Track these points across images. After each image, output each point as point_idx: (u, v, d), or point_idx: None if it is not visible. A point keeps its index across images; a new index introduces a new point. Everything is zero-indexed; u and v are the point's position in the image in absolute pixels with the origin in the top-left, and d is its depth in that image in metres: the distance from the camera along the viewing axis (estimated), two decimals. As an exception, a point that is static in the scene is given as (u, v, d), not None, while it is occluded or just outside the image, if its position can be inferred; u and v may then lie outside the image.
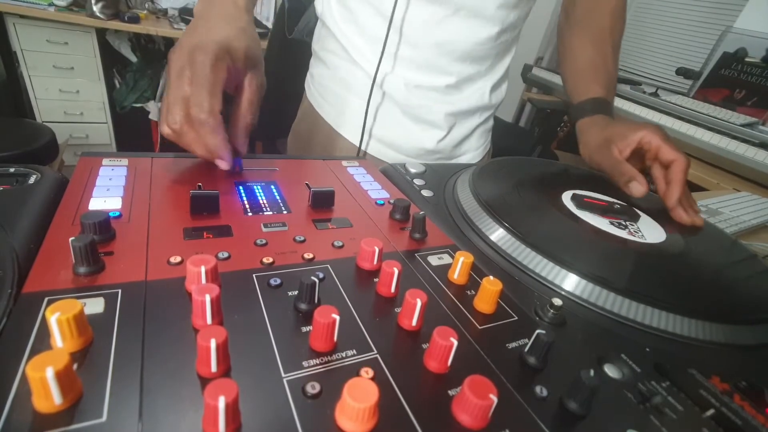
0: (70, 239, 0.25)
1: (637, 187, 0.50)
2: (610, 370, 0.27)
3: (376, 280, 0.29)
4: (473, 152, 0.74)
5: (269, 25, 2.15)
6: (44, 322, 0.20)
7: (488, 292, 0.28)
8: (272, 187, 0.41)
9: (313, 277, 0.25)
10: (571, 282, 0.34)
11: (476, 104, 0.68)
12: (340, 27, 0.64)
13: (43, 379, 0.16)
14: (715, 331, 0.32)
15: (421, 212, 0.36)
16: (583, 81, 0.64)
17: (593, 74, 0.64)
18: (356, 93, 0.66)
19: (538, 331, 0.25)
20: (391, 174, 0.51)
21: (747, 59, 1.45)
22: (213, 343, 0.19)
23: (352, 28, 0.63)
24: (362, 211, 0.40)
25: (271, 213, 0.36)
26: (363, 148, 0.69)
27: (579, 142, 0.61)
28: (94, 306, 0.23)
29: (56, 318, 0.19)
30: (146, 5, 2.20)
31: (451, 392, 0.22)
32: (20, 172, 0.36)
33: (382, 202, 0.42)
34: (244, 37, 0.40)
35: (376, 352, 0.24)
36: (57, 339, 0.19)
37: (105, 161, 0.39)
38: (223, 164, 0.39)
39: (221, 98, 0.37)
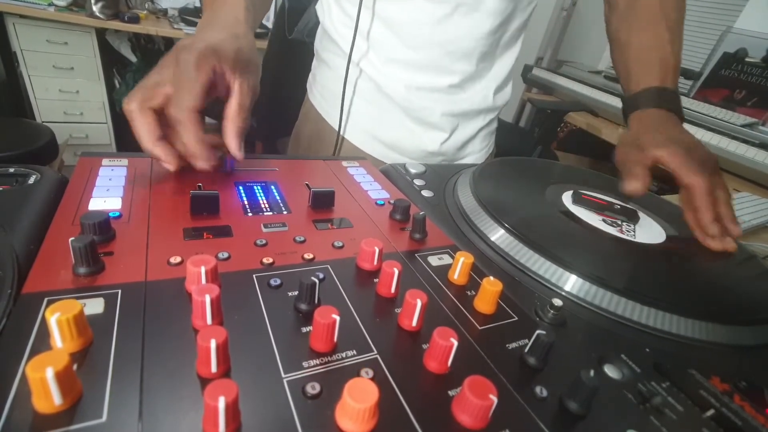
0: (70, 239, 0.25)
1: (630, 184, 0.46)
2: (610, 370, 0.27)
3: (376, 280, 0.29)
4: (476, 154, 0.74)
5: (269, 25, 2.15)
6: (44, 323, 0.20)
7: (488, 293, 0.28)
8: (272, 187, 0.41)
9: (313, 278, 0.25)
10: (571, 282, 0.34)
11: (479, 105, 0.68)
12: (339, 31, 0.65)
13: (43, 380, 0.16)
14: (715, 332, 0.32)
15: (421, 212, 0.36)
16: (634, 72, 0.57)
17: (648, 63, 0.56)
18: (358, 95, 0.66)
19: (538, 331, 0.25)
20: (392, 174, 0.51)
21: (747, 59, 1.45)
22: (213, 344, 0.19)
23: (351, 32, 0.63)
24: (362, 212, 0.40)
25: (271, 213, 0.36)
26: (365, 150, 0.69)
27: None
28: (94, 306, 0.23)
29: (56, 318, 0.19)
30: (146, 5, 2.20)
31: (451, 392, 0.22)
32: (20, 172, 0.36)
33: (382, 202, 0.42)
34: (235, 41, 0.40)
35: (376, 352, 0.24)
36: (57, 339, 0.19)
37: (105, 161, 0.39)
38: (201, 164, 0.37)
39: (202, 98, 0.36)
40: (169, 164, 0.37)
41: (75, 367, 0.19)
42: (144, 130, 0.36)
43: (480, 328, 0.28)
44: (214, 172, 0.40)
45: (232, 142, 0.39)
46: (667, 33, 0.56)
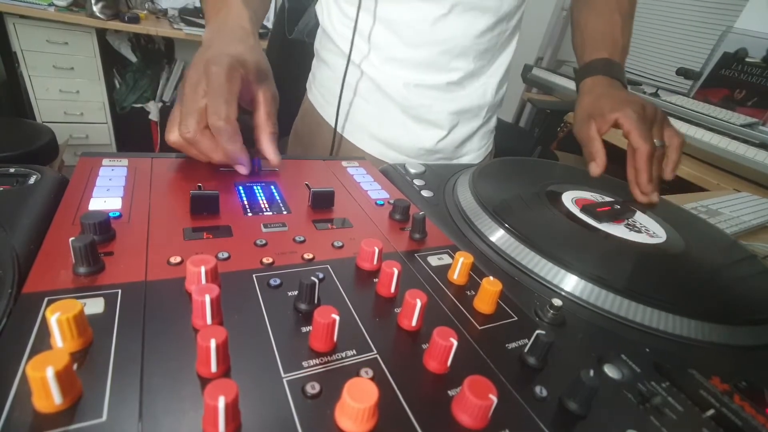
0: (70, 239, 0.25)
1: (593, 168, 0.52)
2: (610, 371, 0.27)
3: (375, 280, 0.29)
4: (475, 153, 0.74)
5: (269, 25, 2.15)
6: (44, 322, 0.20)
7: (488, 293, 0.28)
8: (272, 187, 0.41)
9: (312, 278, 0.25)
10: (570, 282, 0.34)
11: (478, 102, 0.68)
12: (338, 30, 0.65)
13: (44, 379, 0.16)
14: (715, 332, 0.32)
15: (421, 212, 0.36)
16: (588, 48, 0.64)
17: (599, 41, 0.63)
18: (358, 94, 0.66)
19: (537, 331, 0.25)
20: (391, 174, 0.51)
21: (747, 59, 1.45)
22: (213, 343, 0.19)
23: (350, 32, 0.63)
24: (362, 212, 0.40)
25: (271, 213, 0.36)
26: (364, 149, 0.70)
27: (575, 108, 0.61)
28: (94, 306, 0.23)
29: (56, 318, 0.19)
30: (146, 5, 2.20)
31: (451, 392, 0.22)
32: (20, 172, 0.36)
33: (382, 202, 0.42)
34: (254, 53, 0.43)
35: (375, 352, 0.24)
36: (57, 339, 0.19)
37: (105, 161, 0.39)
38: (243, 169, 0.41)
39: (237, 107, 0.38)
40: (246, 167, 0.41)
41: (75, 366, 0.19)
42: (212, 146, 0.38)
43: (480, 328, 0.28)
44: (241, 174, 0.42)
45: (269, 149, 0.42)
46: (620, 20, 0.63)
